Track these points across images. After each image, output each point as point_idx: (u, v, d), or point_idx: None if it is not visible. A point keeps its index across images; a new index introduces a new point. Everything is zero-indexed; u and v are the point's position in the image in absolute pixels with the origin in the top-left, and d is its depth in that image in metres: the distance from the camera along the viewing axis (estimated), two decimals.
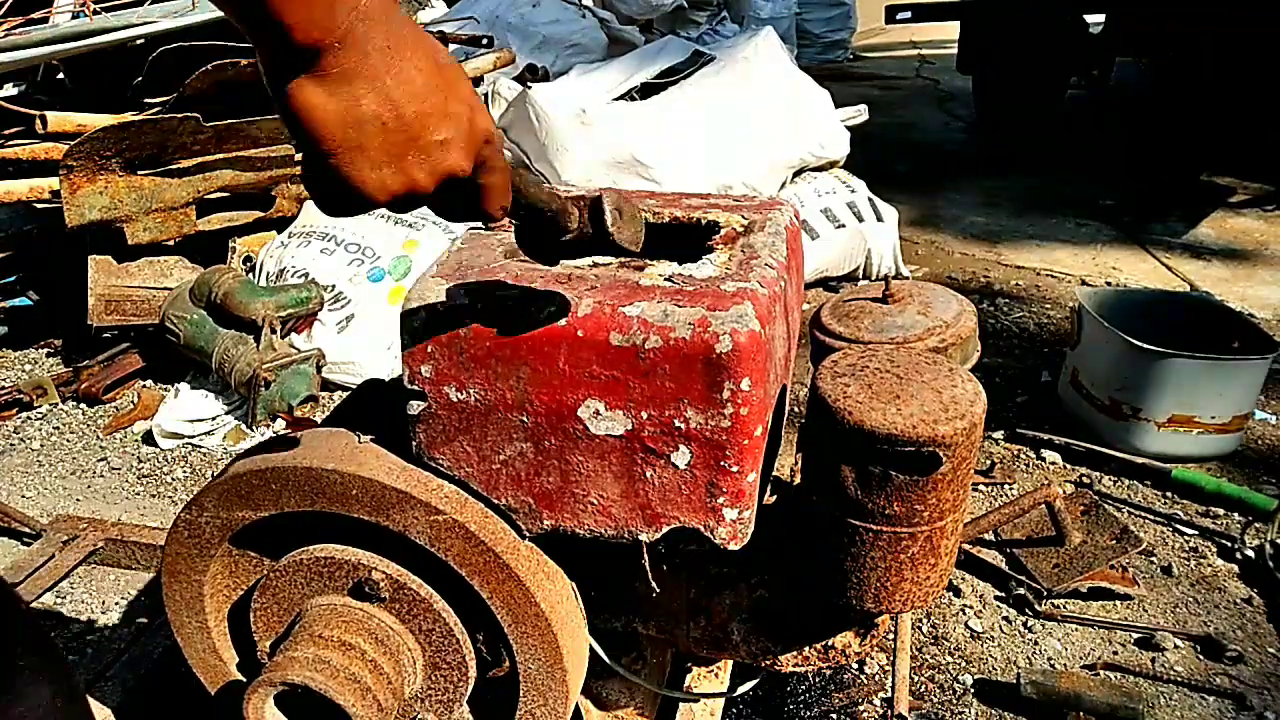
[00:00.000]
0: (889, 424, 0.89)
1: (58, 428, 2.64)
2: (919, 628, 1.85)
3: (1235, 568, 2.00)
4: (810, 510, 1.00)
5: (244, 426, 2.56)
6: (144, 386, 2.83)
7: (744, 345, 0.83)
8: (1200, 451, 2.32)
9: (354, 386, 2.59)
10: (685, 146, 3.31)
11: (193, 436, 2.53)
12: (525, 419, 0.90)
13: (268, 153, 2.89)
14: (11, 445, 2.55)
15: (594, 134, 3.25)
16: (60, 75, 3.34)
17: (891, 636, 1.64)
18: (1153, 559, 2.02)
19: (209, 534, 1.01)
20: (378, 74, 0.57)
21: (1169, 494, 2.24)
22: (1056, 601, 1.88)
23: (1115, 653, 1.77)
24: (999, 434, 2.51)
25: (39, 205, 2.78)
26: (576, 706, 1.15)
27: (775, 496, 1.22)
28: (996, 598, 1.92)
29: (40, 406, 2.71)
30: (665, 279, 0.94)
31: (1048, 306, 3.38)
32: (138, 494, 2.34)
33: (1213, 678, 1.70)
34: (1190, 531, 2.11)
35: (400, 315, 0.90)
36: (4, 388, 2.72)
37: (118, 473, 2.42)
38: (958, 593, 1.93)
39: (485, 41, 4.24)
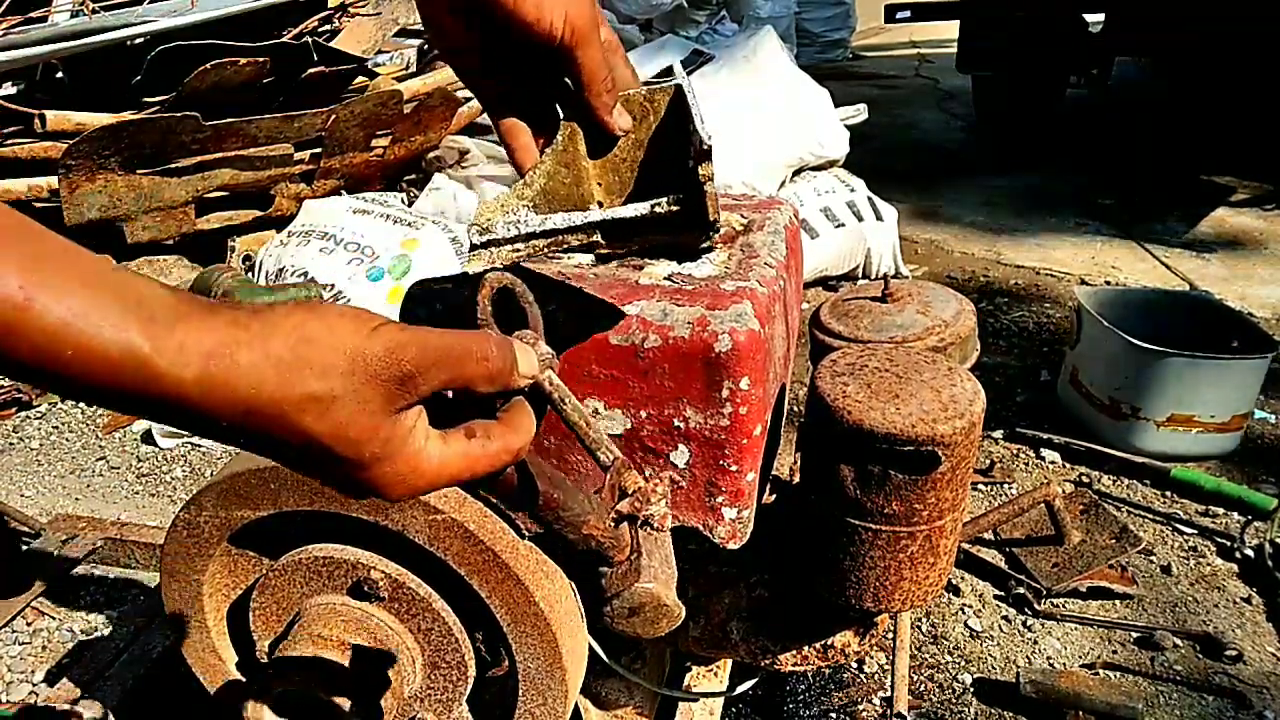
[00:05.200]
0: (888, 423, 0.89)
1: (57, 427, 2.64)
2: (918, 627, 1.85)
3: (1234, 567, 2.00)
4: (809, 510, 1.00)
5: None
6: None
7: (743, 344, 0.83)
8: (1200, 451, 2.32)
9: None
10: None
11: (192, 435, 2.53)
12: None
13: (267, 152, 2.89)
14: (10, 444, 2.55)
15: None
16: (59, 74, 3.34)
17: (891, 636, 1.65)
18: (1152, 558, 2.02)
19: (208, 533, 1.01)
20: None
21: (1168, 493, 2.24)
22: (1056, 601, 1.88)
23: (1115, 652, 1.77)
24: (998, 433, 2.51)
25: (38, 204, 2.77)
26: (576, 706, 1.15)
27: (775, 496, 1.22)
28: (996, 597, 1.92)
29: (39, 405, 2.71)
30: (664, 278, 0.93)
31: (1047, 306, 3.38)
32: (137, 493, 2.34)
33: (1212, 677, 1.70)
34: (1189, 531, 2.11)
35: (399, 314, 0.90)
36: (3, 386, 2.72)
37: (117, 472, 2.42)
38: (957, 592, 1.93)
39: None
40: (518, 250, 0.70)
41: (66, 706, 1.33)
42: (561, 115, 0.74)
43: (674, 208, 0.69)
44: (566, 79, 0.71)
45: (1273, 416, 2.57)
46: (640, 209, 0.69)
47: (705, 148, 0.66)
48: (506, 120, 0.74)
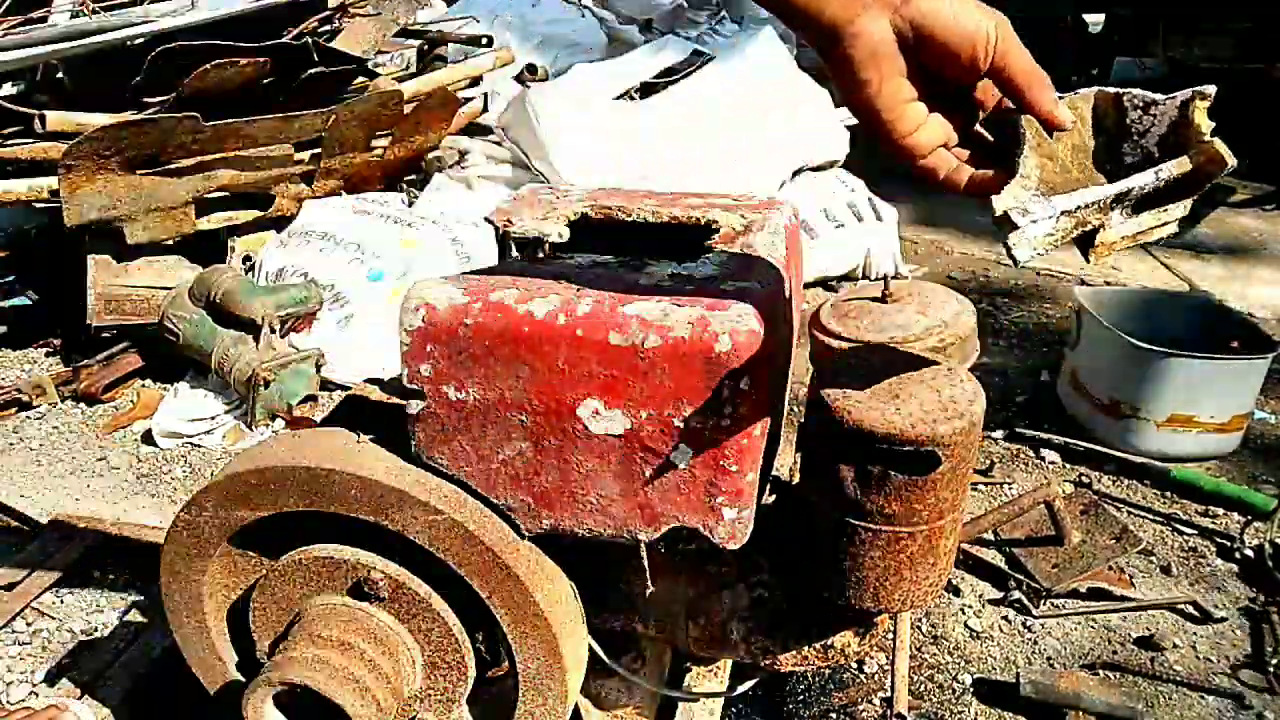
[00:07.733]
0: (888, 424, 0.89)
1: (57, 427, 2.64)
2: (918, 627, 1.85)
3: (1234, 567, 2.00)
4: (809, 510, 1.00)
5: (243, 426, 2.56)
6: (143, 386, 2.83)
7: (743, 344, 0.83)
8: (1200, 451, 2.32)
9: (353, 386, 2.57)
10: (685, 146, 3.31)
11: (192, 436, 2.53)
12: (524, 418, 0.89)
13: (266, 152, 2.89)
14: (11, 445, 2.55)
15: (593, 133, 3.25)
16: (59, 74, 3.34)
17: (891, 636, 1.64)
18: (1152, 558, 2.02)
19: (208, 534, 1.01)
20: None
21: (1168, 493, 2.24)
22: (1056, 601, 1.88)
23: (1115, 652, 1.77)
24: (998, 434, 2.51)
25: (38, 205, 2.77)
26: (576, 706, 1.15)
27: (775, 496, 1.22)
28: (993, 600, 1.92)
29: (39, 406, 2.71)
30: (665, 278, 0.94)
31: (1047, 306, 3.38)
32: (137, 493, 2.34)
33: (1212, 677, 1.71)
34: (1189, 531, 2.11)
35: (399, 314, 0.90)
36: (3, 387, 2.72)
37: (117, 472, 2.42)
38: (957, 592, 1.93)
39: (485, 41, 4.24)
40: (1051, 235, 0.70)
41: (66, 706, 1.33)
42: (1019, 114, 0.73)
43: (1180, 171, 0.71)
44: (997, 86, 0.72)
45: (1273, 417, 2.57)
46: (1147, 177, 0.71)
47: (1196, 94, 0.69)
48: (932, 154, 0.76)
